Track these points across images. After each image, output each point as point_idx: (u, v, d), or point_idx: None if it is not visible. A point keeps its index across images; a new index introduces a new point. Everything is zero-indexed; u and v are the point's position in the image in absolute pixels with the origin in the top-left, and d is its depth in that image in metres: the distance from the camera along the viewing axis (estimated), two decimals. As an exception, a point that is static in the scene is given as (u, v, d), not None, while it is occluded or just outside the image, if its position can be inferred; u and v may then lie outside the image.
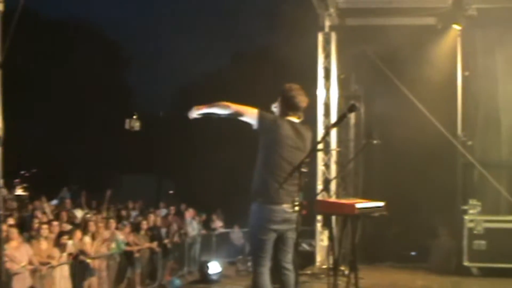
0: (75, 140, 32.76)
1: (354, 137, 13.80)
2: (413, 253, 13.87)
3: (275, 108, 6.36)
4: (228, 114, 6.26)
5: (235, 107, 6.25)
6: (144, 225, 16.48)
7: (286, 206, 6.03)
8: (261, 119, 6.14)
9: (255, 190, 6.22)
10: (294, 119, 6.23)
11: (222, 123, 6.55)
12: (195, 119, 6.41)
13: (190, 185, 31.70)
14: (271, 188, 6.02)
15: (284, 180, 5.92)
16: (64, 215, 14.73)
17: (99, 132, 33.30)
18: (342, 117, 5.83)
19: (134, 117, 6.63)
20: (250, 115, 6.17)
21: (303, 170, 5.49)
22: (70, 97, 32.44)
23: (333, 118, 12.74)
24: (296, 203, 5.96)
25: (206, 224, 20.73)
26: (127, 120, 6.87)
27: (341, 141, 13.30)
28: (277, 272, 6.31)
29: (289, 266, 6.35)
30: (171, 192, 34.46)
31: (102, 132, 33.27)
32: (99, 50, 35.21)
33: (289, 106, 6.23)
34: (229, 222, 21.46)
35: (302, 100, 6.25)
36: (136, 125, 6.83)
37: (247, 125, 6.29)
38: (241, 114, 6.21)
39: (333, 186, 12.59)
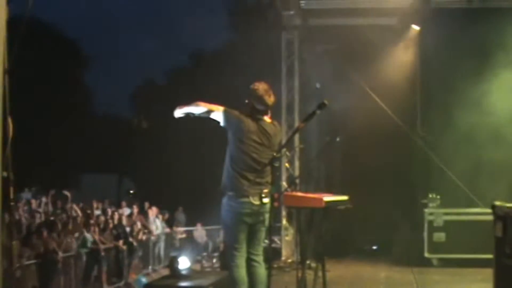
0: (37, 140, 32.51)
1: (317, 133, 14.04)
2: (374, 247, 14.20)
3: (244, 106, 6.59)
4: (201, 113, 6.48)
5: (205, 106, 6.48)
6: (109, 224, 16.57)
7: (253, 199, 6.27)
8: (226, 116, 6.36)
9: (224, 185, 6.43)
10: (262, 116, 6.46)
11: (183, 122, 6.76)
12: (180, 118, 6.61)
13: (151, 184, 31.71)
14: (238, 182, 6.24)
15: (254, 175, 6.17)
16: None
17: (61, 131, 33.04)
18: (312, 115, 6.04)
19: (140, 118, 6.75)
20: (217, 113, 6.40)
21: (275, 164, 5.74)
22: (31, 96, 32.15)
23: (296, 116, 13.04)
24: (264, 196, 6.23)
25: (169, 223, 20.85)
26: (135, 120, 7.00)
27: (304, 138, 13.52)
28: (247, 263, 6.53)
29: (258, 258, 6.55)
30: (131, 191, 34.42)
31: (64, 131, 33.03)
32: (58, 49, 34.88)
33: (257, 104, 6.45)
34: (192, 221, 21.61)
35: (269, 101, 6.48)
36: (143, 124, 6.93)
37: (217, 123, 6.53)
38: (210, 112, 6.45)
39: (297, 181, 12.85)
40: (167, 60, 38.25)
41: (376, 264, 12.16)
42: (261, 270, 6.53)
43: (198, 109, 6.54)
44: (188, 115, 6.59)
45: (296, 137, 13.01)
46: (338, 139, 9.17)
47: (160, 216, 20.27)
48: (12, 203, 3.29)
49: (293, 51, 13.30)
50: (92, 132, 33.40)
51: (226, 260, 6.73)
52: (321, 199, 7.01)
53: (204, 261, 16.84)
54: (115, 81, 42.12)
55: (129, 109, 37.64)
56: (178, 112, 6.62)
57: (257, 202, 6.26)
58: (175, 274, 10.05)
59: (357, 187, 12.53)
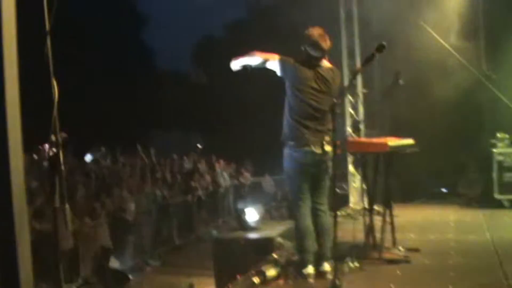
0: (104, 99, 32.92)
1: (380, 77, 13.80)
2: (444, 190, 13.98)
3: (300, 53, 6.48)
4: (258, 64, 6.46)
5: (261, 55, 6.45)
6: (177, 179, 16.75)
7: (315, 148, 6.20)
8: (282, 64, 6.29)
9: (284, 135, 6.41)
10: (318, 63, 6.35)
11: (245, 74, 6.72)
12: (237, 70, 6.67)
13: (218, 138, 31.85)
14: (298, 131, 6.20)
15: (314, 123, 6.09)
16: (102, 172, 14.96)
17: (126, 90, 33.38)
18: (371, 57, 5.92)
19: (199, 71, 6.73)
20: (273, 62, 6.33)
21: (335, 111, 5.63)
22: (96, 58, 32.47)
23: (358, 61, 12.80)
24: (327, 144, 6.15)
25: (237, 175, 20.96)
26: (193, 73, 7.00)
27: (366, 82, 13.32)
28: (312, 213, 6.50)
29: (323, 207, 6.54)
30: (199, 146, 34.67)
31: (129, 90, 33.36)
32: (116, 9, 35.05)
33: (312, 50, 6.33)
34: (260, 171, 21.65)
35: (324, 45, 6.36)
36: (202, 78, 6.90)
37: (274, 73, 6.46)
38: (266, 62, 6.39)
39: (361, 125, 12.76)
40: (225, 13, 37.74)
41: (445, 207, 12.01)
42: (326, 219, 6.52)
43: (253, 59, 6.51)
44: (245, 67, 6.57)
45: (359, 82, 12.86)
46: (401, 82, 8.96)
47: (228, 169, 20.42)
48: (62, 167, 3.29)
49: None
50: (155, 89, 33.67)
51: (292, 210, 6.73)
52: (385, 144, 6.95)
53: (273, 211, 16.90)
54: (175, 37, 42.10)
55: (189, 64, 37.62)
56: (235, 65, 6.61)
57: (318, 151, 6.22)
58: (243, 226, 10.15)
59: (424, 130, 12.33)
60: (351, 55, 12.98)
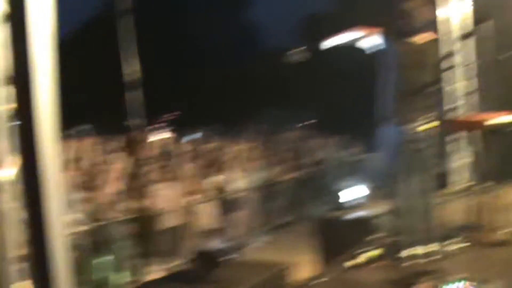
0: (211, 80, 33.42)
1: (494, 49, 13.20)
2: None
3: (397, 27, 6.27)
4: (351, 40, 6.30)
5: (359, 30, 6.28)
6: (286, 156, 16.74)
7: (415, 125, 5.98)
8: (376, 40, 6.09)
9: (383, 112, 6.22)
10: (415, 36, 6.10)
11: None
12: (336, 45, 6.53)
13: (329, 114, 31.66)
14: (396, 108, 6.00)
15: (413, 100, 5.87)
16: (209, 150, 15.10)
17: (233, 71, 33.73)
18: (470, 33, 5.66)
19: (295, 50, 6.71)
20: (368, 38, 6.15)
21: (433, 88, 5.40)
22: (203, 40, 32.98)
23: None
24: (427, 122, 5.91)
25: (346, 151, 20.74)
26: (289, 54, 6.98)
27: (479, 53, 12.74)
28: (413, 193, 6.29)
29: (425, 186, 6.30)
30: (311, 121, 34.61)
31: (236, 69, 33.67)
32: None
33: (407, 23, 6.10)
34: (368, 148, 21.31)
35: (423, 14, 6.10)
36: (300, 57, 6.89)
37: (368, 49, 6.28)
38: (361, 38, 6.22)
39: (474, 99, 12.19)
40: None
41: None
42: (429, 199, 6.28)
43: (348, 36, 6.36)
44: (339, 44, 6.46)
45: (472, 53, 12.28)
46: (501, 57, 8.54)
47: (337, 145, 20.23)
48: (142, 149, 3.23)
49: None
50: (263, 68, 33.82)
51: (393, 189, 6.56)
52: (481, 123, 6.61)
53: (380, 189, 16.60)
54: (280, 15, 42.11)
55: (296, 41, 37.50)
56: (328, 43, 6.50)
57: (420, 128, 5.99)
58: (346, 205, 10.03)
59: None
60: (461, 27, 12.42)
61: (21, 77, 3.25)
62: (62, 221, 3.39)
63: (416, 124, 6.01)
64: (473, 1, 12.17)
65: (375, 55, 6.18)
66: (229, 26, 34.53)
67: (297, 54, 7.12)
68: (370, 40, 6.25)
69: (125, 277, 10.31)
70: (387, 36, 6.14)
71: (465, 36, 5.75)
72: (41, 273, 3.41)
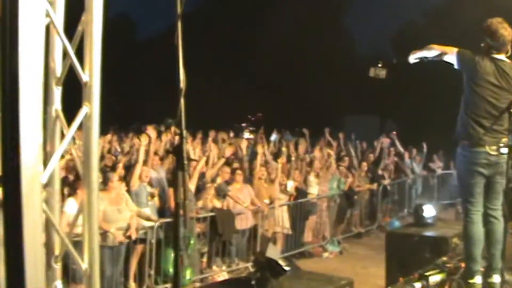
0: (297, 84, 33.46)
1: None
2: None
3: (480, 47, 6.11)
4: (434, 56, 6.22)
5: (438, 48, 6.21)
6: (364, 166, 16.58)
7: (490, 149, 5.81)
8: (460, 57, 5.96)
9: (458, 133, 6.08)
10: (499, 56, 5.91)
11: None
12: (415, 63, 6.52)
13: (413, 126, 31.18)
14: (472, 129, 5.84)
15: (491, 122, 5.70)
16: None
17: (320, 75, 33.65)
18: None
19: (379, 65, 6.68)
20: (451, 54, 6.02)
21: (513, 111, 5.24)
22: (290, 42, 33.07)
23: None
24: (503, 146, 5.73)
25: (427, 165, 20.36)
26: (372, 69, 6.94)
27: None
28: (483, 219, 6.11)
29: (496, 213, 6.10)
30: (394, 133, 34.16)
31: (323, 75, 33.59)
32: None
33: (491, 41, 5.92)
34: (451, 164, 20.85)
35: (505, 34, 5.90)
36: (382, 73, 6.84)
37: (452, 66, 6.16)
38: (443, 54, 6.12)
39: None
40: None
41: None
42: (499, 227, 6.06)
43: (431, 52, 6.29)
44: (422, 59, 6.38)
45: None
46: None
47: (417, 158, 19.88)
48: (186, 162, 3.24)
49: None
50: (355, 74, 33.59)
51: (463, 214, 6.38)
52: None
53: (458, 207, 16.24)
54: (375, 23, 41.76)
55: (390, 50, 37.11)
56: (412, 58, 6.47)
57: (493, 152, 5.81)
58: (419, 222, 9.85)
59: None
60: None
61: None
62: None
63: (491, 146, 5.84)
64: None
65: (462, 71, 6.04)
66: (323, 31, 34.48)
67: (378, 69, 7.00)
68: (447, 57, 6.14)
69: (191, 274, 10.43)
70: (467, 54, 6.00)
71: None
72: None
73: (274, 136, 19.05)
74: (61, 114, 3.67)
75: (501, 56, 5.93)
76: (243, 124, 36.77)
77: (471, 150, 5.93)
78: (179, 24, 3.25)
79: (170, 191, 10.70)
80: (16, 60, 2.57)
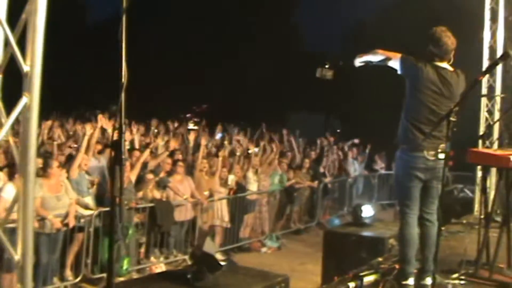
0: (245, 78, 33.50)
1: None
2: None
3: (424, 53, 6.19)
4: (379, 61, 6.26)
5: (383, 53, 6.24)
6: (306, 163, 16.66)
7: (428, 154, 5.91)
8: (403, 62, 6.03)
9: (399, 137, 6.15)
10: (442, 64, 6.01)
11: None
12: (360, 67, 6.47)
13: (356, 125, 31.53)
14: (412, 134, 5.93)
15: (430, 128, 5.78)
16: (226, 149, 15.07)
17: (268, 69, 33.73)
18: (493, 65, 5.58)
19: (326, 66, 6.69)
20: (395, 60, 6.09)
21: (452, 119, 5.30)
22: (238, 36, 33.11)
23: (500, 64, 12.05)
24: (440, 152, 5.82)
25: (369, 165, 20.59)
26: (319, 69, 6.96)
27: (506, 86, 12.56)
28: (418, 222, 6.21)
29: (431, 217, 6.21)
30: (338, 131, 34.49)
31: (270, 68, 33.70)
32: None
33: (434, 48, 6.02)
34: (392, 165, 21.12)
35: (449, 42, 6.01)
36: (329, 74, 6.88)
37: (395, 71, 6.22)
38: (388, 60, 6.16)
39: (495, 133, 12.01)
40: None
41: None
42: (433, 231, 6.18)
43: (376, 57, 6.32)
44: (366, 63, 6.41)
45: (498, 85, 12.13)
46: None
47: (359, 158, 20.10)
48: (124, 157, 3.21)
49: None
50: (300, 70, 33.78)
51: (399, 216, 6.46)
52: (508, 159, 6.50)
53: (397, 207, 16.50)
54: (326, 20, 42.11)
55: (338, 49, 37.41)
56: (357, 61, 6.45)
57: (431, 157, 5.91)
58: (358, 222, 9.97)
59: None
60: (493, 57, 12.23)
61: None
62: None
63: (429, 152, 5.93)
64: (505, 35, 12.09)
65: (405, 77, 6.10)
66: (272, 26, 34.57)
67: (325, 70, 7.06)
68: (391, 63, 6.20)
69: (128, 264, 10.37)
70: (411, 60, 6.07)
71: (486, 71, 5.68)
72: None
73: (219, 135, 19.08)
74: (0, 103, 3.62)
75: (444, 64, 6.03)
76: (188, 115, 36.66)
77: (410, 154, 6.02)
78: (124, 19, 3.20)
79: (110, 181, 10.63)
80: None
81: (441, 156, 5.84)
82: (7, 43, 3.54)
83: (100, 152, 11.55)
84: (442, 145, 5.81)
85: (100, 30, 36.08)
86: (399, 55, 6.12)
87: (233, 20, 34.97)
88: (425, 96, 5.95)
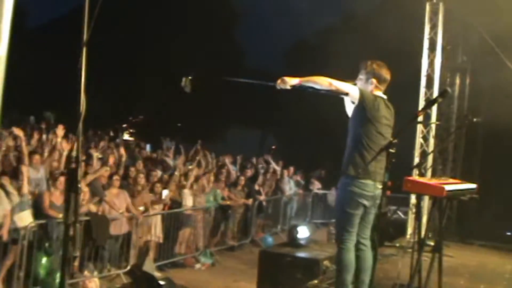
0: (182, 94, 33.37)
1: (457, 110, 13.44)
2: (508, 233, 13.42)
3: (358, 81, 6.31)
4: (327, 90, 6.19)
5: (336, 84, 6.12)
6: (242, 180, 16.71)
7: (376, 182, 6.02)
8: (362, 96, 6.08)
9: (349, 163, 6.18)
10: (383, 95, 6.19)
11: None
12: (296, 88, 6.23)
13: (292, 144, 31.78)
14: (364, 162, 5.99)
15: (375, 157, 5.88)
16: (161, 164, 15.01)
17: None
18: (433, 102, 5.76)
19: (190, 77, 6.58)
20: (352, 93, 6.10)
21: (391, 150, 5.43)
22: (183, 51, 32.97)
23: (436, 90, 12.40)
24: (384, 179, 5.94)
25: (305, 184, 20.76)
26: (183, 79, 6.91)
27: (442, 114, 12.94)
28: (355, 247, 6.31)
29: (366, 242, 6.34)
30: (273, 147, 34.70)
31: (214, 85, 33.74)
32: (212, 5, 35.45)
33: (377, 79, 6.18)
34: (326, 184, 21.38)
35: (388, 73, 6.22)
36: (188, 86, 6.79)
37: (337, 98, 6.28)
38: (340, 91, 6.15)
39: (430, 160, 12.32)
40: (319, 20, 37.61)
41: (504, 255, 11.51)
42: (368, 254, 6.31)
43: (323, 85, 6.13)
44: (304, 89, 6.23)
45: (434, 112, 12.45)
46: (475, 119, 8.67)
47: (294, 177, 20.26)
48: (79, 185, 3.21)
49: (436, 22, 12.64)
50: (240, 87, 33.87)
51: (336, 241, 6.54)
52: (442, 188, 6.62)
53: (331, 228, 16.70)
54: (267, 38, 42.40)
55: (280, 67, 37.67)
56: (287, 84, 6.21)
57: (379, 185, 6.03)
58: (293, 243, 10.07)
59: (498, 171, 11.93)
60: (430, 85, 12.58)
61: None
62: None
63: (378, 180, 6.03)
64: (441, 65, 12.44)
65: (360, 107, 6.13)
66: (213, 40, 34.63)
67: (185, 84, 6.79)
68: (360, 93, 6.18)
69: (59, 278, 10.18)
70: (367, 91, 6.15)
71: (426, 107, 5.86)
72: None
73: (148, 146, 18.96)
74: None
75: (382, 94, 6.22)
76: (124, 125, 36.31)
77: (360, 181, 6.08)
78: (84, 51, 3.22)
79: (46, 194, 10.52)
80: None
81: (384, 183, 5.95)
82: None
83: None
84: (386, 172, 5.93)
85: (39, 35, 35.67)
86: (356, 88, 6.13)
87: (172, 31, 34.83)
88: (381, 125, 6.10)
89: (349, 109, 6.42)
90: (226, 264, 14.35)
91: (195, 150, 17.76)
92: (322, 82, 6.09)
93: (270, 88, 6.22)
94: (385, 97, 6.23)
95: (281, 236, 16.98)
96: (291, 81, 6.19)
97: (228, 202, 15.67)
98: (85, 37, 3.19)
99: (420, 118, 11.85)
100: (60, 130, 11.34)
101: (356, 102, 6.12)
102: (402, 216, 15.01)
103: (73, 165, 3.20)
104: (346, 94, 6.14)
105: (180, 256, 13.80)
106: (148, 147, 18.96)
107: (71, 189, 3.20)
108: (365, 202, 6.09)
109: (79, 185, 3.20)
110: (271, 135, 38.03)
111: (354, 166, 6.09)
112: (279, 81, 6.23)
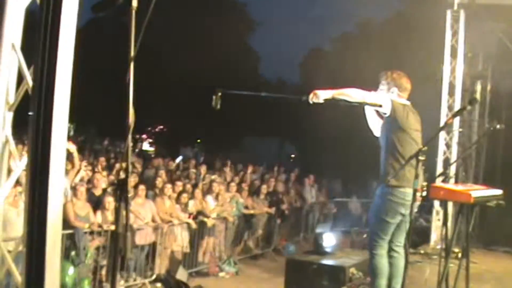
0: (202, 102, 33.46)
1: (478, 117, 13.46)
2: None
3: (380, 92, 6.40)
4: (359, 103, 6.25)
5: (369, 97, 6.20)
6: (264, 189, 16.80)
7: (405, 187, 6.09)
8: (394, 107, 6.17)
9: (386, 173, 6.24)
10: (407, 102, 6.30)
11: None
12: (328, 101, 6.24)
13: (312, 151, 31.74)
14: (407, 171, 6.04)
15: (406, 163, 5.94)
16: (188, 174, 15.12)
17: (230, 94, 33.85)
18: (461, 110, 5.87)
19: (219, 94, 6.57)
20: (385, 105, 6.19)
21: (421, 158, 5.51)
22: (199, 60, 33.06)
23: (458, 97, 12.46)
24: (416, 186, 6.00)
25: (325, 192, 20.79)
26: (214, 97, 6.94)
27: (464, 120, 12.97)
28: (387, 254, 6.39)
29: (399, 249, 6.41)
30: (292, 156, 34.72)
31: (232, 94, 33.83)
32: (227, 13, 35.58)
33: (398, 88, 6.28)
34: (348, 192, 21.42)
35: (408, 82, 6.34)
36: (218, 103, 6.75)
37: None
38: (373, 104, 6.23)
39: (453, 167, 12.33)
40: (334, 27, 37.69)
41: (529, 261, 11.51)
42: (401, 262, 6.39)
43: (356, 98, 6.19)
44: (336, 101, 6.25)
45: (456, 119, 12.49)
46: (498, 126, 8.69)
47: (316, 185, 20.30)
48: (129, 195, 3.31)
49: (457, 30, 12.70)
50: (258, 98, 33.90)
51: (369, 247, 6.61)
52: (469, 194, 6.66)
53: (354, 235, 16.74)
54: (283, 46, 42.52)
55: (296, 74, 37.81)
56: (320, 98, 6.23)
57: (418, 194, 6.06)
58: (319, 250, 10.14)
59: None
60: (452, 92, 12.64)
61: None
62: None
63: (406, 186, 6.08)
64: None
65: (391, 118, 6.17)
66: (230, 50, 34.66)
67: (216, 102, 6.81)
68: (392, 105, 6.23)
69: (89, 285, 10.35)
70: (397, 103, 6.21)
71: (454, 115, 5.92)
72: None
73: (179, 158, 19.08)
74: None
75: (406, 101, 6.32)
76: (143, 136, 36.52)
77: (398, 190, 6.15)
78: (131, 66, 3.33)
79: (69, 205, 10.67)
80: None
81: (417, 190, 6.00)
82: None
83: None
84: (418, 180, 5.98)
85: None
86: (388, 100, 6.22)
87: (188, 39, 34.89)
88: (413, 133, 6.20)
89: (371, 118, 6.51)
90: (249, 273, 14.37)
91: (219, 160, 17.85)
92: (355, 95, 6.16)
93: (302, 103, 6.21)
94: (409, 103, 6.33)
95: (303, 244, 17.02)
96: (324, 95, 6.21)
97: (251, 212, 15.76)
98: (132, 52, 3.30)
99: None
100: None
101: (388, 112, 6.19)
102: (424, 223, 15.00)
103: (123, 176, 3.29)
104: (380, 106, 6.21)
105: (204, 265, 13.89)
106: (179, 158, 18.96)
107: (121, 199, 3.29)
108: (404, 211, 6.17)
109: (129, 196, 3.30)
110: (288, 143, 38.03)
111: (393, 176, 6.16)
112: (311, 95, 6.23)
